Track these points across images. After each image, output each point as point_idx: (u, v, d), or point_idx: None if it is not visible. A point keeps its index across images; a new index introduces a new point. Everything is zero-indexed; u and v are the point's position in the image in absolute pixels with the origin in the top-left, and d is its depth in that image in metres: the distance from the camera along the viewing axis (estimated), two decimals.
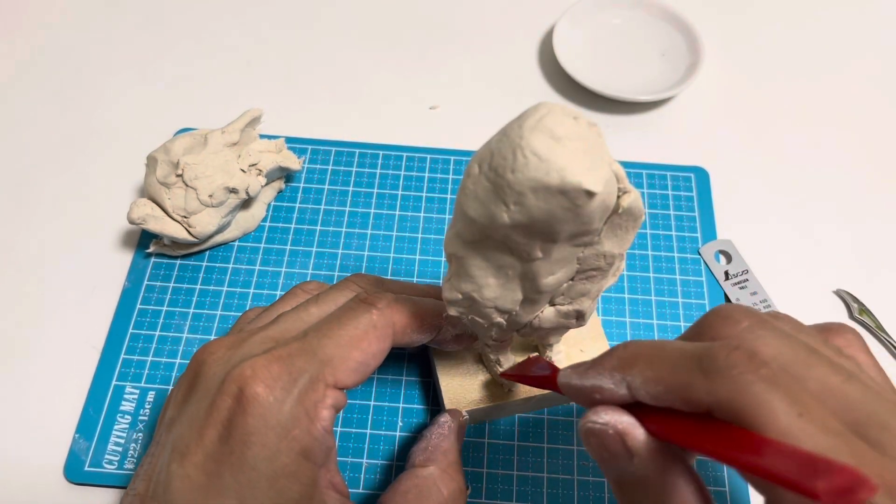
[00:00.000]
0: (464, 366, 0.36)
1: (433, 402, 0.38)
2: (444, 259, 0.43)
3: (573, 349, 0.36)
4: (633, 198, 0.24)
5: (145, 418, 0.37)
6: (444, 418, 0.33)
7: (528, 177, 0.21)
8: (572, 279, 0.27)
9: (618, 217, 0.24)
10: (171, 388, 0.38)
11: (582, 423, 0.22)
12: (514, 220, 0.23)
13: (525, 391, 0.35)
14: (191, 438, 0.25)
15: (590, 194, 0.21)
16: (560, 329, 0.30)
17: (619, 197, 0.24)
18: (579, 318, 0.28)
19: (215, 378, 0.26)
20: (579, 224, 0.23)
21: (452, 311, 0.28)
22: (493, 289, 0.26)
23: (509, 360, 0.35)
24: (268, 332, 0.28)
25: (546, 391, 0.35)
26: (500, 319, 0.28)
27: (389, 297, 0.29)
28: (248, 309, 0.38)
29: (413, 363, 0.39)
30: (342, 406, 0.27)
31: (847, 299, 0.42)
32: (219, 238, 0.43)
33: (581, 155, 0.21)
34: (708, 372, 0.20)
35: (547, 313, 0.28)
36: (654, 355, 0.21)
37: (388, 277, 0.33)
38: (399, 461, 0.36)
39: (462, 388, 0.35)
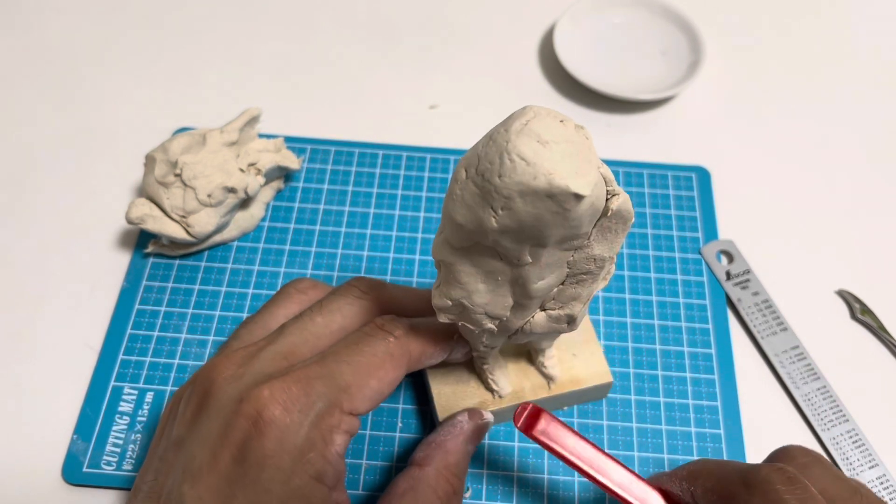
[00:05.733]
0: (455, 373, 0.35)
1: None
2: None
3: (565, 353, 0.36)
4: (622, 200, 0.24)
5: (144, 419, 0.37)
6: (461, 417, 0.33)
7: (516, 181, 0.21)
8: (562, 283, 0.27)
9: (607, 220, 0.24)
10: (168, 389, 0.38)
11: None
12: (502, 224, 0.22)
13: (516, 398, 0.35)
14: (204, 460, 0.25)
15: (578, 198, 0.21)
16: (551, 334, 0.30)
17: (608, 199, 0.23)
18: (570, 322, 0.28)
19: (228, 398, 0.26)
20: (568, 228, 0.23)
21: (443, 318, 0.28)
22: (483, 295, 0.26)
23: (501, 366, 0.35)
24: (276, 346, 0.28)
25: (542, 396, 0.35)
26: (490, 325, 0.28)
27: (406, 324, 0.30)
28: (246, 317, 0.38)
29: None
30: (355, 432, 0.27)
31: (849, 300, 0.42)
32: (217, 238, 0.42)
33: (568, 158, 0.21)
34: (749, 485, 0.23)
35: (538, 318, 0.28)
36: (715, 470, 0.25)
37: (389, 280, 0.33)
38: (399, 462, 0.36)
39: (454, 394, 0.35)
